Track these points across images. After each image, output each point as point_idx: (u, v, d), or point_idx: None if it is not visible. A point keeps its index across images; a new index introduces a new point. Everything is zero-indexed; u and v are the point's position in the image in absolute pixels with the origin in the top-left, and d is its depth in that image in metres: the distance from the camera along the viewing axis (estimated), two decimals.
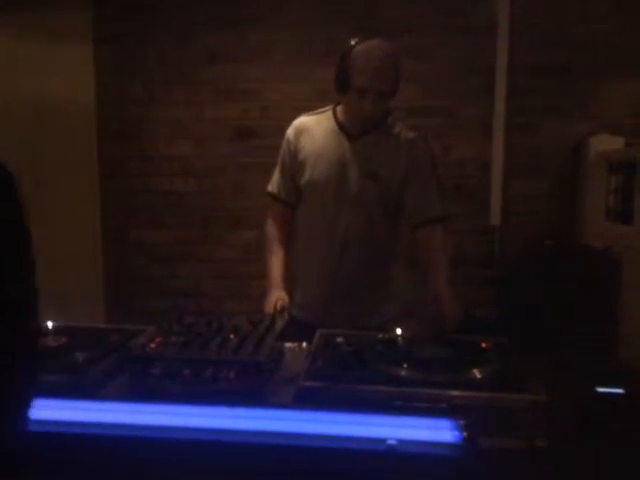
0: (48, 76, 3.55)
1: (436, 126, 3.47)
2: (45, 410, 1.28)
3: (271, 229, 2.22)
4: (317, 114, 2.16)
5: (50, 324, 1.77)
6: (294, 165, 2.14)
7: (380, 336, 1.70)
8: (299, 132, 2.13)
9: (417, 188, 2.09)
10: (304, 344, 1.76)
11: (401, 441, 1.14)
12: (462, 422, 1.19)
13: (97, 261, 3.76)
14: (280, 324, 1.68)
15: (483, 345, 1.65)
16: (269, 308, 2.03)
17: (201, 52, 3.61)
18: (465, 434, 1.16)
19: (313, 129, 2.12)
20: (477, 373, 1.43)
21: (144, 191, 3.73)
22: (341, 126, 2.09)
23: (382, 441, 1.14)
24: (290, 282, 2.22)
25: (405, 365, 1.46)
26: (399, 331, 1.69)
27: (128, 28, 3.62)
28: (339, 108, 2.11)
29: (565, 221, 3.46)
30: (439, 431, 1.18)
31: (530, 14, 3.38)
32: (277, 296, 2.06)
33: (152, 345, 1.45)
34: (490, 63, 3.41)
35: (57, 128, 3.65)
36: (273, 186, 2.23)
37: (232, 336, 1.53)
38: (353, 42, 1.97)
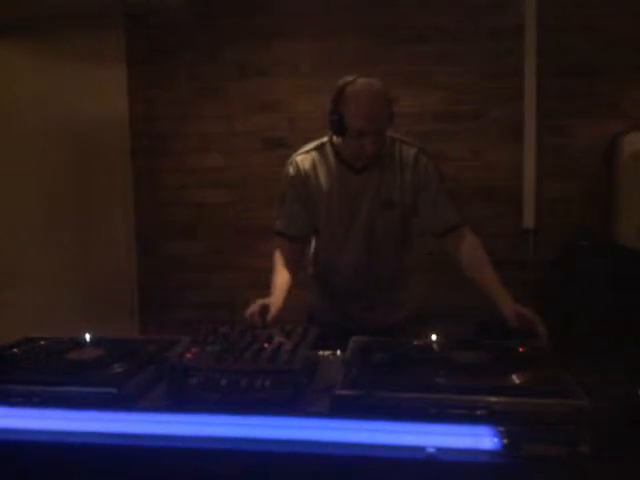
0: (84, 95, 3.65)
1: (465, 130, 3.46)
2: (84, 422, 1.30)
3: (277, 258, 2.18)
4: (315, 150, 2.14)
5: (87, 336, 1.79)
6: (304, 203, 2.15)
7: (415, 342, 1.69)
8: (304, 170, 2.12)
9: (430, 201, 2.11)
10: (338, 352, 1.75)
11: (440, 449, 1.12)
12: (502, 429, 1.17)
13: (131, 272, 3.81)
14: (314, 333, 1.68)
15: (520, 350, 1.62)
16: (249, 311, 1.93)
17: (230, 67, 3.65)
18: (505, 441, 1.14)
19: (317, 167, 2.12)
20: (516, 378, 1.41)
21: (177, 203, 3.77)
22: (343, 161, 2.09)
23: (421, 449, 1.12)
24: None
25: (441, 372, 1.45)
26: (434, 337, 1.67)
27: (159, 46, 3.69)
28: (336, 142, 2.10)
29: (600, 222, 3.41)
30: (479, 438, 1.16)
31: (557, 15, 3.34)
32: (261, 302, 1.97)
33: (189, 355, 1.46)
34: (519, 66, 3.38)
35: (93, 144, 3.74)
36: (282, 225, 2.20)
37: (266, 345, 1.53)
38: (341, 84, 1.98)
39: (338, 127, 1.98)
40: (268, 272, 3.55)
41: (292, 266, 2.15)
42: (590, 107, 3.39)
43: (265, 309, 1.92)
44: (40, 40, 3.67)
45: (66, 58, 3.66)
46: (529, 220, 3.45)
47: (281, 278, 2.11)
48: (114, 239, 3.80)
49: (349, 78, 1.98)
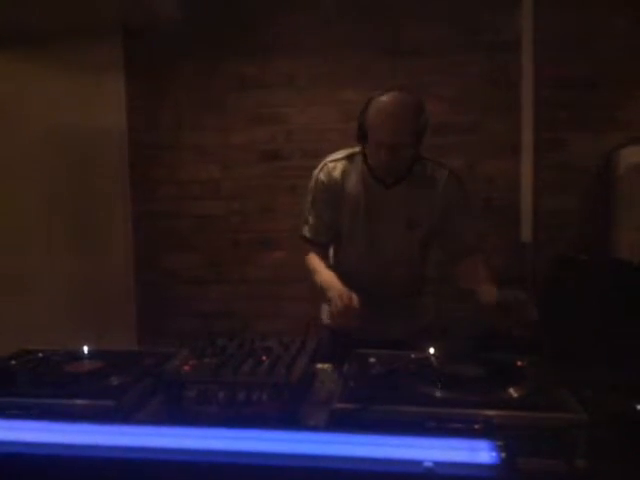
0: (82, 107, 3.65)
1: (462, 143, 3.47)
2: (81, 434, 1.29)
3: (315, 261, 2.19)
4: (347, 158, 2.14)
5: (85, 348, 1.79)
6: (333, 208, 2.15)
7: (413, 356, 1.69)
8: (334, 177, 2.12)
9: (453, 225, 2.13)
10: (336, 365, 1.75)
11: (438, 463, 1.12)
12: (500, 442, 1.17)
13: (129, 284, 3.81)
14: (311, 345, 1.68)
15: (518, 364, 1.62)
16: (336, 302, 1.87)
17: (228, 79, 3.67)
18: (503, 455, 1.14)
19: (347, 175, 2.12)
20: (513, 392, 1.41)
21: (174, 214, 3.78)
22: (374, 173, 2.09)
23: (419, 463, 1.12)
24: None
25: (439, 385, 1.45)
26: (432, 351, 1.67)
27: (158, 58, 3.70)
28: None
29: (598, 235, 3.41)
30: (476, 452, 1.16)
31: (555, 28, 3.37)
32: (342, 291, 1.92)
33: (186, 368, 1.46)
34: (516, 78, 3.40)
35: (91, 156, 3.74)
36: (309, 231, 2.21)
37: (264, 358, 1.53)
38: (372, 94, 2.01)
39: (361, 135, 2.01)
40: (265, 283, 3.55)
41: (328, 266, 2.17)
42: (588, 120, 3.40)
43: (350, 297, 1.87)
44: (39, 52, 3.68)
45: (65, 70, 3.68)
46: (527, 234, 3.46)
47: (331, 274, 2.09)
48: (112, 250, 3.80)
49: (382, 91, 2.01)
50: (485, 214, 3.48)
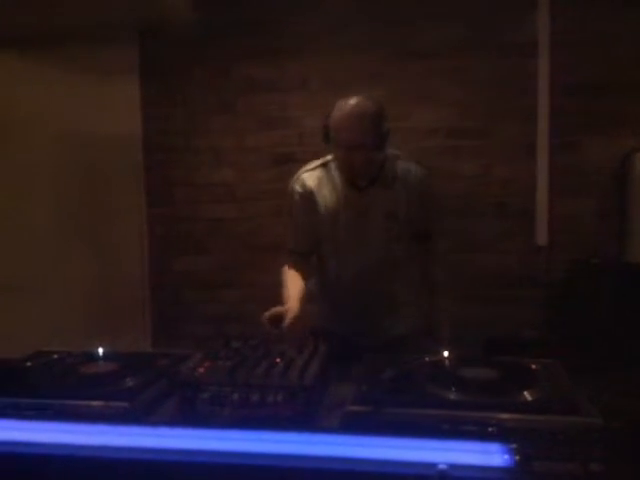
0: (97, 110, 3.68)
1: (477, 146, 3.46)
2: (96, 435, 1.30)
3: (291, 273, 2.23)
4: (320, 167, 2.22)
5: (100, 350, 1.80)
6: (312, 217, 2.20)
7: (427, 359, 1.68)
8: (310, 187, 2.19)
9: (422, 214, 2.19)
10: (349, 368, 1.75)
11: (452, 465, 1.12)
12: (514, 446, 1.16)
13: (143, 286, 3.83)
14: (324, 349, 1.68)
15: (533, 367, 1.61)
16: (262, 319, 1.98)
17: (242, 82, 3.68)
18: (517, 458, 1.14)
19: (322, 184, 2.19)
20: (528, 395, 1.41)
21: (188, 218, 3.80)
22: (347, 178, 2.15)
23: (433, 465, 1.12)
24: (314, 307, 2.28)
25: (453, 388, 1.44)
26: (446, 354, 1.67)
27: (172, 61, 3.72)
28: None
29: (612, 239, 3.39)
30: (491, 455, 1.16)
31: (570, 31, 3.35)
32: (275, 310, 2.02)
33: (200, 370, 1.47)
34: (531, 82, 3.39)
35: (106, 159, 3.77)
36: (294, 243, 2.28)
37: (278, 360, 1.53)
38: (337, 103, 2.06)
39: (327, 141, 2.08)
40: (279, 287, 3.55)
41: (304, 279, 2.20)
42: (603, 124, 3.38)
43: (280, 316, 1.95)
44: (53, 55, 3.72)
45: (79, 73, 3.71)
46: (542, 237, 3.44)
47: (294, 288, 2.15)
48: (126, 253, 3.82)
49: (345, 98, 2.07)
50: (500, 217, 3.47)
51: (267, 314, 1.96)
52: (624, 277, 3.10)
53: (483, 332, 3.09)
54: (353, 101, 2.03)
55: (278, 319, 1.95)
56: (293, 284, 2.17)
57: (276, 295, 3.82)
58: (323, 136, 2.09)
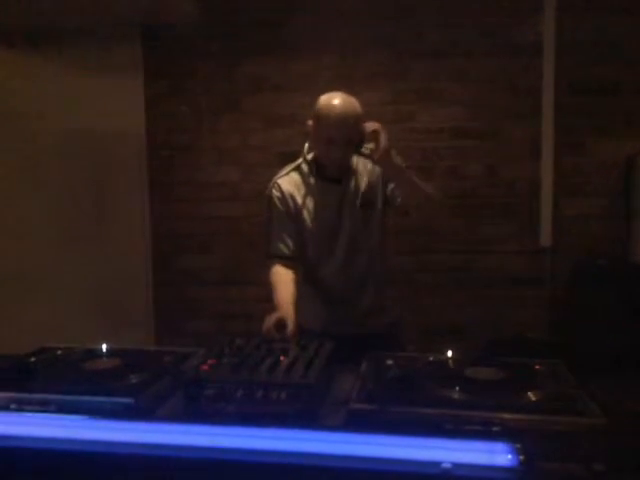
0: (101, 108, 3.68)
1: (482, 147, 3.46)
2: (100, 431, 1.31)
3: (280, 277, 2.21)
4: (293, 171, 2.28)
5: (104, 347, 1.80)
6: (292, 220, 2.25)
7: (431, 358, 1.68)
8: (287, 191, 2.25)
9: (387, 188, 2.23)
10: (353, 366, 1.75)
11: (456, 464, 1.12)
12: (518, 446, 1.16)
13: (147, 284, 3.83)
14: (328, 347, 1.68)
15: (537, 367, 1.61)
16: (266, 326, 1.96)
17: (247, 81, 3.68)
18: (521, 458, 1.14)
19: (299, 186, 2.26)
20: (532, 395, 1.41)
21: (192, 216, 3.80)
22: (322, 175, 2.23)
23: (437, 464, 1.12)
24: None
25: (457, 387, 1.44)
26: (450, 353, 1.67)
27: (176, 60, 3.72)
28: (310, 156, 2.27)
29: (617, 240, 3.39)
30: (495, 455, 1.15)
31: (576, 32, 3.35)
32: (277, 316, 2.00)
33: (205, 367, 1.47)
34: (536, 82, 3.39)
35: (110, 157, 3.77)
36: (276, 248, 2.26)
37: (282, 358, 1.53)
38: (320, 99, 2.17)
39: (314, 136, 2.17)
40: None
41: (293, 282, 2.21)
42: (608, 125, 3.38)
43: (281, 323, 1.95)
44: (58, 53, 3.73)
45: (83, 71, 3.71)
46: (546, 238, 3.44)
47: (286, 292, 2.15)
48: (130, 251, 3.83)
49: (328, 93, 2.18)
50: (505, 218, 3.47)
51: (271, 322, 1.94)
52: (629, 278, 3.10)
53: (488, 333, 3.09)
54: (340, 99, 2.12)
55: (282, 325, 1.94)
56: (284, 288, 2.17)
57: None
58: (309, 132, 2.19)
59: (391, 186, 2.20)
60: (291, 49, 3.61)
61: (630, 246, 3.33)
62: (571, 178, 3.43)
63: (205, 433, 1.28)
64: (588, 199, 3.43)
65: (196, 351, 1.74)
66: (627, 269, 3.21)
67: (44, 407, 1.42)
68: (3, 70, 3.73)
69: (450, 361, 1.66)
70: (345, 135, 2.08)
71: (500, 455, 1.16)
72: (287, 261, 2.24)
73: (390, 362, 1.65)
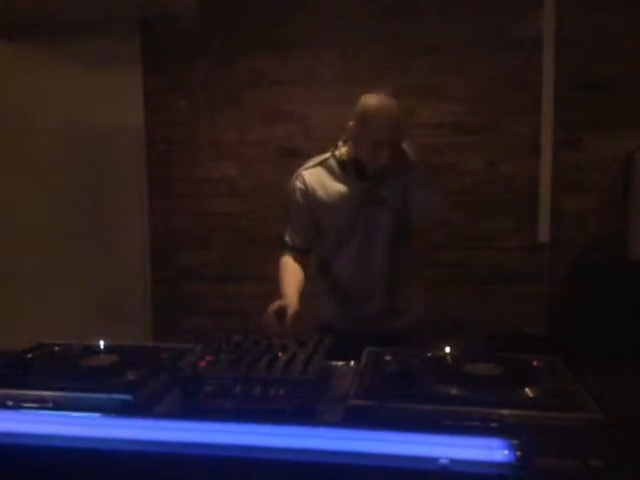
0: (99, 102, 3.67)
1: (481, 143, 3.46)
2: (98, 428, 1.31)
3: (288, 267, 2.29)
4: (319, 165, 2.27)
5: (101, 343, 1.80)
6: (311, 214, 2.27)
7: (429, 354, 1.68)
8: (311, 184, 2.25)
9: (415, 192, 2.19)
10: (352, 362, 1.76)
11: (453, 460, 1.12)
12: (515, 441, 1.16)
13: (145, 280, 3.83)
14: (328, 343, 1.68)
15: (534, 363, 1.62)
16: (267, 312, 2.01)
17: (246, 76, 3.67)
18: (518, 453, 1.14)
19: (323, 180, 2.25)
20: (529, 391, 1.41)
21: (191, 211, 3.79)
22: (348, 172, 2.22)
23: (434, 460, 1.12)
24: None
25: (455, 383, 1.45)
26: (448, 349, 1.67)
27: (175, 53, 3.71)
28: (342, 153, 2.23)
29: (615, 236, 3.38)
30: (492, 450, 1.16)
31: (576, 28, 3.34)
32: (279, 303, 2.06)
33: (202, 364, 1.47)
34: (536, 79, 3.38)
35: (108, 152, 3.76)
36: (292, 239, 2.33)
37: (280, 354, 1.53)
38: (365, 98, 2.14)
39: (357, 136, 2.12)
40: (278, 281, 3.56)
41: (301, 272, 2.27)
42: (607, 121, 3.37)
43: (282, 312, 1.98)
44: (55, 47, 3.71)
45: (81, 64, 3.70)
46: (544, 234, 3.44)
47: (293, 280, 2.21)
48: (128, 247, 3.82)
49: (371, 94, 2.14)
50: (503, 214, 3.47)
51: (271, 309, 1.99)
52: (627, 274, 3.10)
53: (486, 329, 3.09)
54: (387, 101, 2.11)
55: (282, 314, 1.98)
56: (291, 277, 2.23)
57: (278, 289, 3.84)
58: (352, 133, 2.14)
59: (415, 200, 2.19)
60: (290, 44, 3.60)
61: (628, 242, 3.32)
62: (570, 174, 3.42)
63: (203, 429, 1.28)
64: (587, 195, 3.42)
65: (194, 347, 1.74)
66: (625, 265, 3.20)
67: (41, 404, 1.42)
68: (0, 64, 3.72)
69: (448, 357, 1.66)
70: (392, 138, 2.08)
71: (498, 451, 1.16)
72: (298, 253, 2.30)
73: (388, 358, 1.65)
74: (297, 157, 3.60)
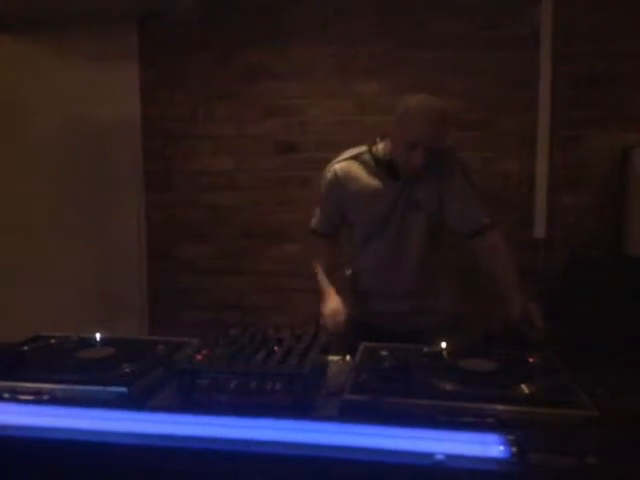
0: (96, 96, 3.66)
1: (478, 139, 3.45)
2: (94, 420, 1.31)
3: (321, 259, 2.37)
4: (353, 158, 2.26)
5: (97, 336, 1.80)
6: (339, 207, 2.28)
7: (425, 349, 1.69)
8: (342, 177, 2.24)
9: (455, 200, 2.20)
10: (348, 357, 1.76)
11: (449, 456, 1.13)
12: (511, 437, 1.17)
13: (142, 274, 3.83)
14: (324, 338, 1.68)
15: (530, 360, 1.62)
16: (327, 322, 2.12)
17: (243, 69, 3.65)
18: (514, 449, 1.14)
19: (356, 174, 2.24)
20: (525, 388, 1.41)
21: (188, 205, 3.78)
22: (382, 169, 2.19)
23: (430, 455, 1.12)
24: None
25: (451, 379, 1.45)
26: (444, 344, 1.67)
27: (172, 47, 3.70)
28: (379, 149, 2.22)
29: (611, 233, 3.39)
30: (487, 446, 1.16)
31: (573, 24, 3.34)
32: (334, 310, 2.15)
33: (199, 357, 1.47)
34: (533, 75, 3.38)
35: (105, 145, 3.75)
36: (316, 224, 2.38)
37: (276, 348, 1.53)
38: (410, 99, 2.11)
39: (398, 136, 2.09)
40: (278, 276, 3.58)
41: (330, 261, 2.36)
42: (604, 118, 3.37)
43: (338, 314, 2.12)
44: (52, 40, 3.70)
45: (78, 58, 3.69)
46: (540, 230, 3.43)
47: (328, 279, 2.29)
48: (125, 240, 3.82)
49: (416, 94, 2.13)
50: (499, 210, 3.46)
51: (329, 313, 2.13)
52: (624, 270, 3.10)
53: (481, 325, 3.09)
54: (428, 102, 2.08)
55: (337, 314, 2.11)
56: (325, 273, 2.31)
57: (275, 282, 3.83)
58: (394, 132, 2.11)
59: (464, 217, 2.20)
60: (289, 38, 3.58)
61: (625, 238, 3.33)
62: (566, 170, 3.42)
63: (198, 423, 1.28)
64: (583, 191, 3.42)
65: (190, 341, 1.74)
66: (621, 261, 3.21)
67: (37, 396, 1.42)
68: None
69: (444, 352, 1.66)
70: (428, 141, 2.04)
71: (493, 447, 1.16)
72: (323, 238, 2.37)
73: (384, 353, 1.65)
74: (294, 151, 3.60)
